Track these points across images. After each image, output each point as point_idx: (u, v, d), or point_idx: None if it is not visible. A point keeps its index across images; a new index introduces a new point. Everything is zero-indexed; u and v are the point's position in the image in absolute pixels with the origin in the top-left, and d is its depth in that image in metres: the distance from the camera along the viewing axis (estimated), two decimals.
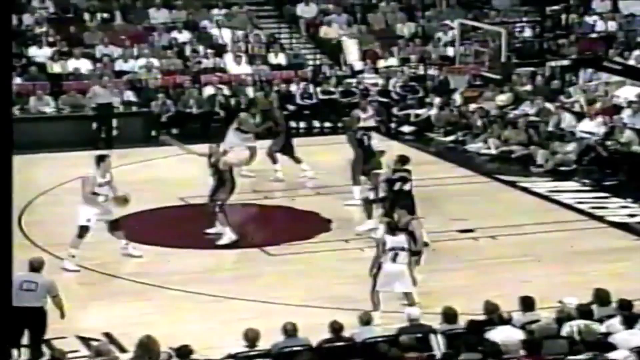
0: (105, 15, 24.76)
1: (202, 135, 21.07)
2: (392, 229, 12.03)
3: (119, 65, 23.12)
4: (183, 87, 22.41)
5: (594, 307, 10.32)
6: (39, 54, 22.92)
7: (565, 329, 9.86)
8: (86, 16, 24.55)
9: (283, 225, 15.70)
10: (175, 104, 21.92)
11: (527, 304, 10.38)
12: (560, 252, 14.23)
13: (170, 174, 18.24)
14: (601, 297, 10.43)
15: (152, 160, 19.16)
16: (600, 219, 15.93)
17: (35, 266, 10.61)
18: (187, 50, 23.91)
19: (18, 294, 10.10)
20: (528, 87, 22.61)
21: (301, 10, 26.24)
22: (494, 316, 10.21)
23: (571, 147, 19.22)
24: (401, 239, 11.84)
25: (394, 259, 11.71)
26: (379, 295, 11.69)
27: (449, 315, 10.22)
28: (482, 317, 10.24)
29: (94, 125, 21.01)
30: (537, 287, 11.81)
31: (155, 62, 23.16)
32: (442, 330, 10.02)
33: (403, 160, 14.35)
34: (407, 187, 13.98)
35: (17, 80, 21.89)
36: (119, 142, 20.46)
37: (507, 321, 10.19)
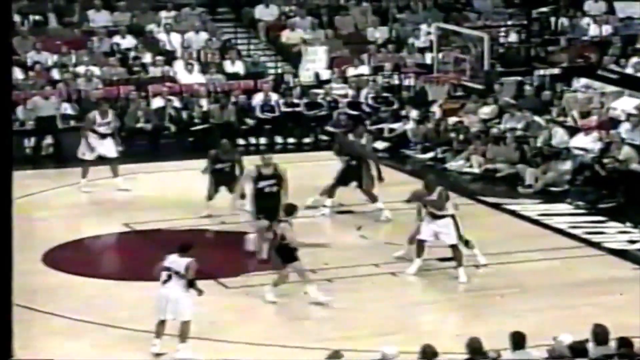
0: (37, 17, 24.66)
1: (151, 152, 21.06)
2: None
3: (54, 74, 23.01)
4: (128, 99, 22.35)
5: (590, 345, 10.38)
6: None
7: None
8: (16, 19, 24.42)
9: (241, 255, 15.66)
10: (120, 117, 21.82)
11: (517, 341, 10.42)
12: (551, 283, 14.32)
13: (114, 195, 18.16)
14: (598, 334, 10.49)
15: (93, 181, 19.04)
16: (596, 245, 16.05)
17: None
18: (132, 57, 23.87)
19: None
20: (506, 98, 22.76)
21: (260, 12, 26.30)
22: (479, 356, 10.24)
23: (564, 165, 19.37)
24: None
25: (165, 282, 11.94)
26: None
27: (428, 354, 10.23)
28: (465, 357, 10.27)
29: (31, 140, 20.91)
30: (526, 323, 11.87)
31: (95, 70, 23.09)
32: None
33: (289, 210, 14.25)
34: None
35: None
36: (56, 161, 20.36)
37: None
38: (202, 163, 17.40)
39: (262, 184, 15.16)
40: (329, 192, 17.33)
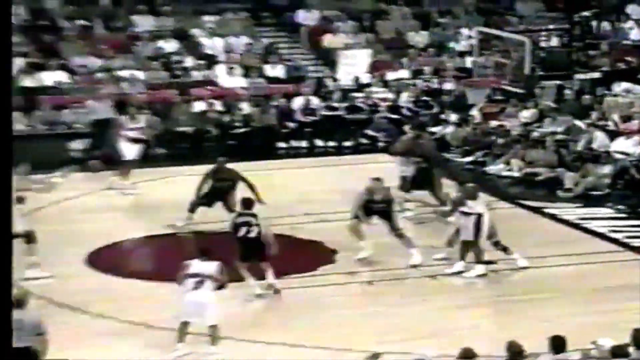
0: (84, 22, 24.88)
1: (193, 155, 21.17)
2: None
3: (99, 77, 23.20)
4: (171, 103, 22.49)
5: (631, 349, 10.30)
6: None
7: None
8: (63, 24, 24.67)
9: (282, 256, 15.68)
10: (163, 121, 21.99)
11: (557, 344, 10.37)
12: (591, 288, 14.22)
13: (155, 198, 18.27)
14: (639, 338, 10.41)
15: (136, 183, 19.17)
16: (637, 249, 15.92)
17: (18, 302, 10.59)
18: (175, 61, 24.00)
19: None
20: (547, 102, 22.64)
21: (302, 17, 26.36)
22: (519, 358, 10.20)
23: (604, 169, 19.23)
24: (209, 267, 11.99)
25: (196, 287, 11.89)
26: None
27: (468, 357, 10.21)
28: None
29: (86, 142, 21.10)
30: (566, 327, 11.78)
31: (139, 74, 23.25)
32: None
33: (247, 203, 14.21)
34: (252, 233, 13.78)
35: None
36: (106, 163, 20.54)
37: None
38: (244, 165, 17.45)
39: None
40: (405, 191, 17.17)
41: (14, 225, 13.86)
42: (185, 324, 12.02)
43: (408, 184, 17.15)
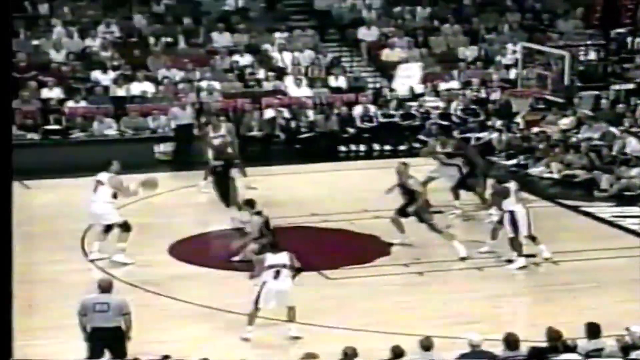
0: (169, 39, 25.06)
1: (263, 157, 21.19)
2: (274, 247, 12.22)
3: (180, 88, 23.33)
4: (244, 110, 22.54)
5: None
6: (104, 77, 23.26)
7: (631, 358, 9.63)
8: (150, 40, 24.88)
9: (342, 249, 15.63)
10: (237, 126, 22.03)
11: (593, 331, 10.18)
12: (625, 279, 13.94)
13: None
14: None
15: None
16: None
17: (105, 287, 10.74)
18: (248, 73, 24.06)
19: (91, 316, 10.46)
20: (584, 110, 22.26)
21: (363, 33, 26.27)
22: (558, 343, 10.02)
23: (636, 171, 18.87)
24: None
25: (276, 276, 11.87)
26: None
27: (511, 342, 10.05)
28: (545, 344, 10.05)
29: (170, 146, 21.24)
30: (601, 315, 11.57)
31: (216, 85, 23.35)
32: (504, 357, 9.86)
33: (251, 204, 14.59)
34: None
35: (83, 103, 22.28)
36: (180, 164, 20.68)
37: (572, 349, 9.99)
38: (309, 167, 17.38)
39: None
40: (455, 194, 16.97)
41: (110, 216, 14.34)
42: (257, 310, 11.97)
43: (456, 187, 16.92)
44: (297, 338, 11.90)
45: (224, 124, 19.31)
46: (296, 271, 12.08)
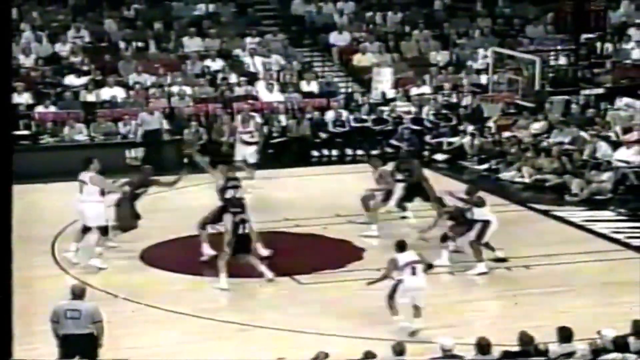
0: (140, 44, 24.98)
1: (234, 162, 21.11)
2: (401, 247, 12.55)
3: (151, 93, 23.26)
4: (215, 115, 22.51)
5: (631, 339, 10.16)
6: (74, 82, 23.16)
7: None
8: (121, 45, 24.79)
9: (315, 254, 15.64)
10: (208, 131, 22.01)
11: (565, 335, 10.24)
12: (596, 283, 14.07)
13: (202, 202, 18.25)
14: (639, 329, 10.27)
15: (185, 188, 19.17)
16: (636, 249, 15.72)
17: (77, 293, 10.68)
18: (220, 78, 24.04)
19: (63, 322, 10.35)
20: (556, 115, 22.41)
21: (334, 38, 26.33)
22: (530, 347, 10.08)
23: (607, 176, 19.04)
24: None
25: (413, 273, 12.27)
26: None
27: (483, 346, 10.10)
28: (517, 349, 10.11)
29: (136, 151, 21.18)
30: (572, 319, 11.65)
31: (187, 89, 23.31)
32: None
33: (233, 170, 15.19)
34: (238, 194, 14.64)
35: (52, 108, 22.17)
36: (157, 169, 20.57)
37: (544, 353, 10.06)
38: (282, 172, 17.42)
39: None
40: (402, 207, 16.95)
41: (97, 218, 14.29)
42: (394, 302, 12.29)
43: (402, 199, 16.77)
44: (414, 333, 12.10)
45: (252, 120, 19.32)
46: (427, 267, 12.54)
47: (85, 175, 14.64)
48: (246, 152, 19.25)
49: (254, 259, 14.11)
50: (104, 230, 14.61)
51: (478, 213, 14.61)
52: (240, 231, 13.99)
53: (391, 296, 12.34)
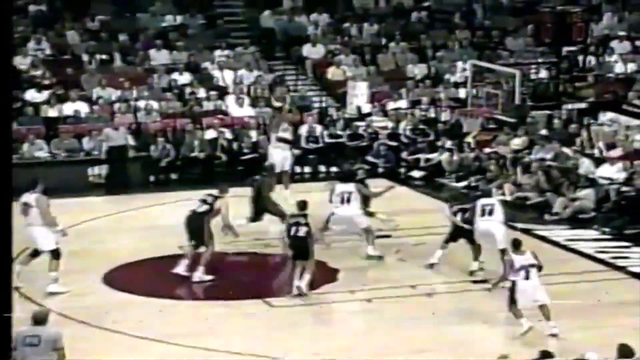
0: (104, 56, 24.89)
1: (204, 180, 21.07)
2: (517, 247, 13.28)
3: (117, 107, 23.18)
4: (183, 131, 22.44)
5: None
6: (35, 97, 23.01)
7: None
8: (84, 57, 24.68)
9: (287, 275, 15.57)
10: (176, 148, 21.94)
11: (545, 358, 10.24)
12: (580, 305, 14.06)
13: (169, 221, 18.16)
14: (624, 352, 10.28)
15: (151, 207, 19.10)
16: (622, 269, 15.77)
17: (38, 319, 10.46)
18: (188, 93, 23.98)
19: (22, 350, 10.09)
20: (544, 131, 22.52)
21: (308, 51, 26.37)
22: None
23: (589, 193, 19.10)
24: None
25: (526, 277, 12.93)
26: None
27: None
28: None
29: (99, 169, 21.05)
30: (555, 342, 11.66)
31: (154, 104, 23.23)
32: None
33: (300, 205, 14.77)
34: (301, 233, 14.38)
35: (12, 124, 21.96)
36: (115, 188, 20.49)
37: None
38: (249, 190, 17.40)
39: None
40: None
41: (46, 242, 14.06)
42: (516, 307, 12.82)
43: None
44: (554, 335, 12.58)
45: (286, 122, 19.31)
46: (538, 269, 13.03)
47: (30, 197, 14.35)
48: (282, 159, 19.24)
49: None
50: (55, 254, 14.35)
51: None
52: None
53: (512, 302, 12.83)
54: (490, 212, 15.00)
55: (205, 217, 15.02)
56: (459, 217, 15.45)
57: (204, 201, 15.26)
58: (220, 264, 15.58)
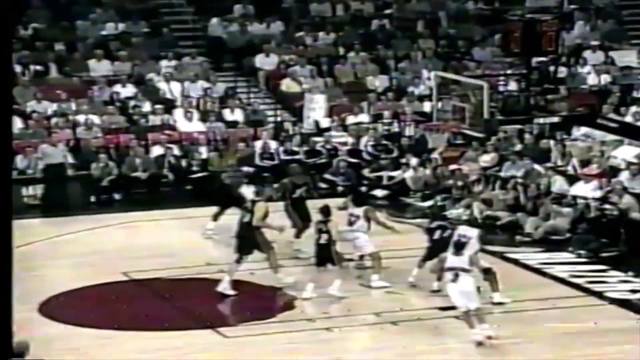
0: (39, 67, 24.71)
1: (149, 201, 20.95)
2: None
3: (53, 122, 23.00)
4: (127, 147, 22.31)
5: None
6: None
7: None
8: (17, 69, 24.48)
9: (241, 303, 15.51)
10: (119, 166, 21.79)
11: None
12: (555, 332, 14.13)
13: (112, 245, 18.02)
14: None
15: (92, 230, 18.94)
16: (598, 295, 15.88)
17: (18, 352, 10.28)
18: (131, 106, 23.87)
19: None
20: (518, 146, 22.67)
21: (260, 61, 26.38)
22: None
23: (563, 213, 19.23)
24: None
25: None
26: None
27: None
28: None
29: (33, 189, 20.85)
30: None
31: (95, 119, 23.07)
32: None
33: (324, 211, 15.59)
34: (322, 240, 15.29)
35: None
36: (53, 209, 20.28)
37: None
38: (202, 210, 17.30)
39: None
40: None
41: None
42: (466, 312, 13.41)
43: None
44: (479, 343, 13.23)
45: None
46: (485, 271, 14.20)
47: None
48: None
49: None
50: None
51: None
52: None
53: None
54: (462, 246, 14.52)
55: (252, 225, 15.63)
56: (437, 235, 15.53)
57: (245, 209, 15.87)
58: (167, 291, 15.47)
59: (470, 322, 13.47)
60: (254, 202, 15.85)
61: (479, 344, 13.38)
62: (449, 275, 13.54)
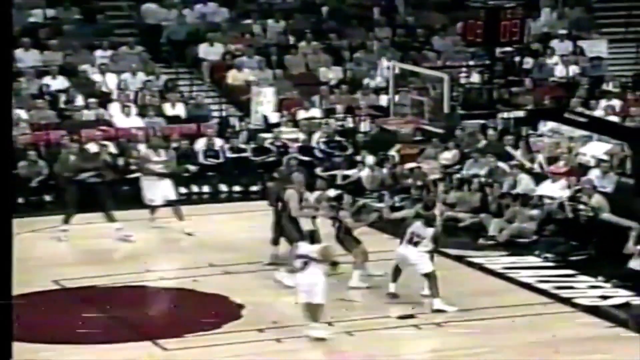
0: None
1: (83, 202, 20.80)
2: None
3: None
4: (59, 145, 22.18)
5: None
6: None
7: None
8: None
9: (182, 313, 15.49)
10: (49, 164, 21.65)
11: None
12: (521, 342, 14.26)
13: (42, 251, 17.92)
14: None
15: (18, 235, 18.73)
16: (566, 301, 16.03)
17: None
18: (63, 100, 23.73)
19: None
20: (482, 142, 22.81)
21: (204, 51, 26.34)
22: None
23: (529, 214, 19.40)
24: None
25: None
26: None
27: None
28: None
29: None
30: None
31: (22, 113, 22.90)
32: None
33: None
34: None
35: None
36: None
37: None
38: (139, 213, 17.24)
39: None
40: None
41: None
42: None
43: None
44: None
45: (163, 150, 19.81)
46: (332, 264, 14.39)
47: None
48: (160, 189, 19.20)
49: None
50: None
51: None
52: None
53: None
54: (416, 244, 15.12)
55: (284, 214, 16.38)
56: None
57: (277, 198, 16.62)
58: (101, 300, 15.42)
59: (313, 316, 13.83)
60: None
61: (315, 339, 13.74)
62: (297, 263, 13.91)
